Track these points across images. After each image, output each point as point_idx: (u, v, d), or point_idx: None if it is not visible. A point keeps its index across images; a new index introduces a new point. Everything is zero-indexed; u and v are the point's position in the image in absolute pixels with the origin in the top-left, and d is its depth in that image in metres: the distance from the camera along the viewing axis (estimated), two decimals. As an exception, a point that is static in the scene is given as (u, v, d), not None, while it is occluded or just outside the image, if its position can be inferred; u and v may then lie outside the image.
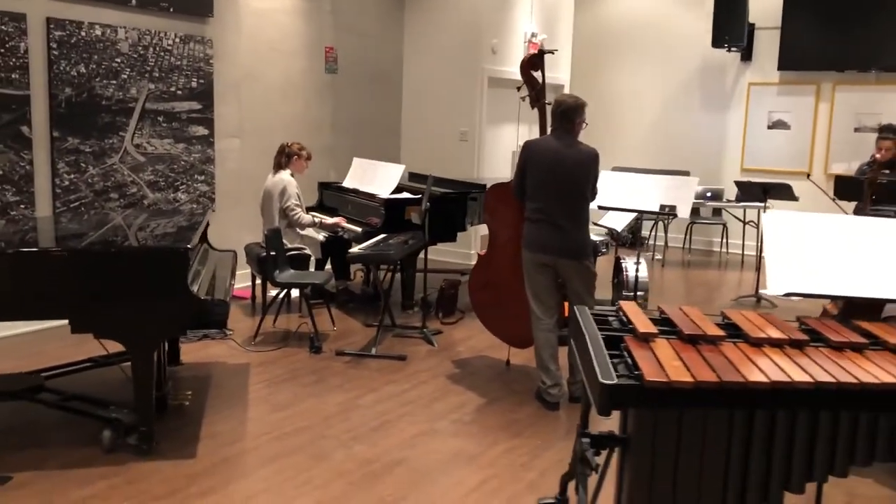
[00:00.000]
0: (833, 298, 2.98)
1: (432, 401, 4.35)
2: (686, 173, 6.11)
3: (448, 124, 8.43)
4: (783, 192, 7.01)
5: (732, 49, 8.98)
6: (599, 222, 6.48)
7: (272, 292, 5.93)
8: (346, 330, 5.71)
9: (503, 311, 4.78)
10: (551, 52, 4.66)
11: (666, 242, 9.12)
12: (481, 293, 4.94)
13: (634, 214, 5.70)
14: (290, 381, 4.59)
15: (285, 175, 6.07)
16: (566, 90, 9.36)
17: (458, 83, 8.30)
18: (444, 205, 6.03)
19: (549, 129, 4.37)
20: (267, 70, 7.08)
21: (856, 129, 8.54)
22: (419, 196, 5.70)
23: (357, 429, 3.92)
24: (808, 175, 7.22)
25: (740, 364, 2.35)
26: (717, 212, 9.13)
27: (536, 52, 4.44)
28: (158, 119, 6.11)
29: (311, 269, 6.05)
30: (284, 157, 6.15)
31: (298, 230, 6.07)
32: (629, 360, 2.40)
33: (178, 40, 6.15)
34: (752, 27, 8.95)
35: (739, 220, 8.97)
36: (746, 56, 9.11)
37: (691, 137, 9.59)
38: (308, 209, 6.54)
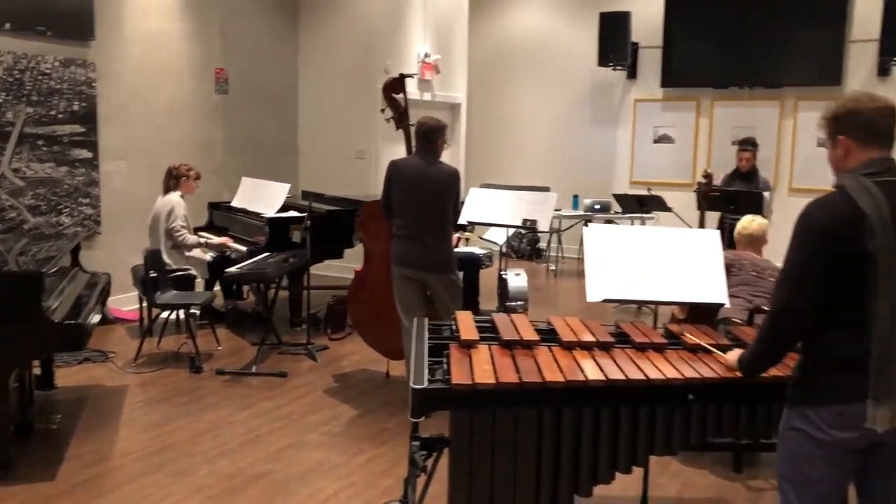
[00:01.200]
0: (644, 303, 3.23)
1: (305, 415, 4.45)
2: (546, 189, 6.42)
3: (345, 143, 8.57)
4: (656, 204, 7.39)
5: (618, 68, 9.40)
6: (483, 237, 6.72)
7: (164, 314, 5.92)
8: (233, 349, 5.76)
9: (380, 325, 4.92)
10: (411, 76, 4.86)
11: (560, 253, 9.43)
12: (359, 308, 5.07)
13: (513, 229, 5.92)
14: (165, 401, 4.62)
15: (174, 196, 6.11)
16: (463, 109, 9.62)
17: (354, 103, 8.45)
18: (329, 222, 6.14)
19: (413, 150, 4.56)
20: (154, 92, 7.07)
21: (733, 143, 8.97)
22: (305, 214, 5.80)
23: (225, 445, 3.99)
24: (649, 189, 7.77)
25: (545, 366, 2.55)
26: (607, 223, 9.49)
27: (397, 76, 4.63)
28: (38, 143, 6.05)
29: (201, 289, 6.08)
30: (173, 180, 6.19)
31: (185, 251, 6.10)
32: (446, 366, 2.58)
33: (57, 64, 6.12)
34: (635, 46, 9.38)
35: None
36: (632, 74, 9.54)
37: (584, 152, 9.97)
38: (197, 229, 6.57)
